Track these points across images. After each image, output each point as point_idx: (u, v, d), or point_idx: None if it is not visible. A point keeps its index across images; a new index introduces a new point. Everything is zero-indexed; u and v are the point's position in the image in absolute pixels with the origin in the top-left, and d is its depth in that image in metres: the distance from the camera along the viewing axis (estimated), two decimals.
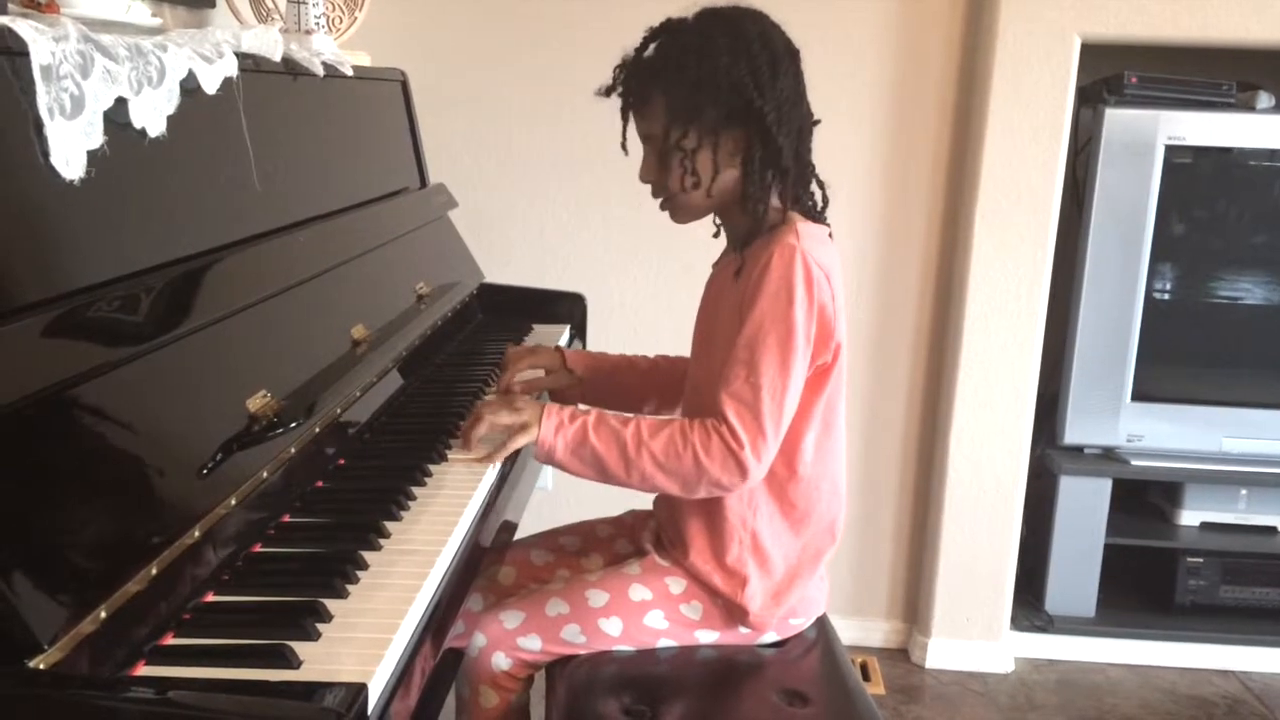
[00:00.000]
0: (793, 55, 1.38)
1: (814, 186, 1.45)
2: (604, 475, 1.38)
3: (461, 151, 2.53)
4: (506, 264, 2.49)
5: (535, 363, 1.70)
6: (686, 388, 1.56)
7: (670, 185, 1.40)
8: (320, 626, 0.99)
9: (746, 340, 1.34)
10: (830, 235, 1.44)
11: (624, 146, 1.44)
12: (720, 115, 1.34)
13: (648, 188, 1.45)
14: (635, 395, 1.69)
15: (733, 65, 1.32)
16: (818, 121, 1.43)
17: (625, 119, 1.42)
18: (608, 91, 1.41)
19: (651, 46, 1.39)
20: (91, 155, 1.04)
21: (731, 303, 1.40)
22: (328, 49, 1.78)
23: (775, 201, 1.40)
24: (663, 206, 1.46)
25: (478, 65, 2.54)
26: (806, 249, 1.34)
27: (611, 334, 2.45)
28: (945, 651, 2.65)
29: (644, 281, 2.60)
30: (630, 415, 1.38)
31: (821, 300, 1.34)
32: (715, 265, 1.54)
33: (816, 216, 1.44)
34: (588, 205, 2.57)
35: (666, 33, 1.38)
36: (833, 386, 1.42)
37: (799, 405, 1.38)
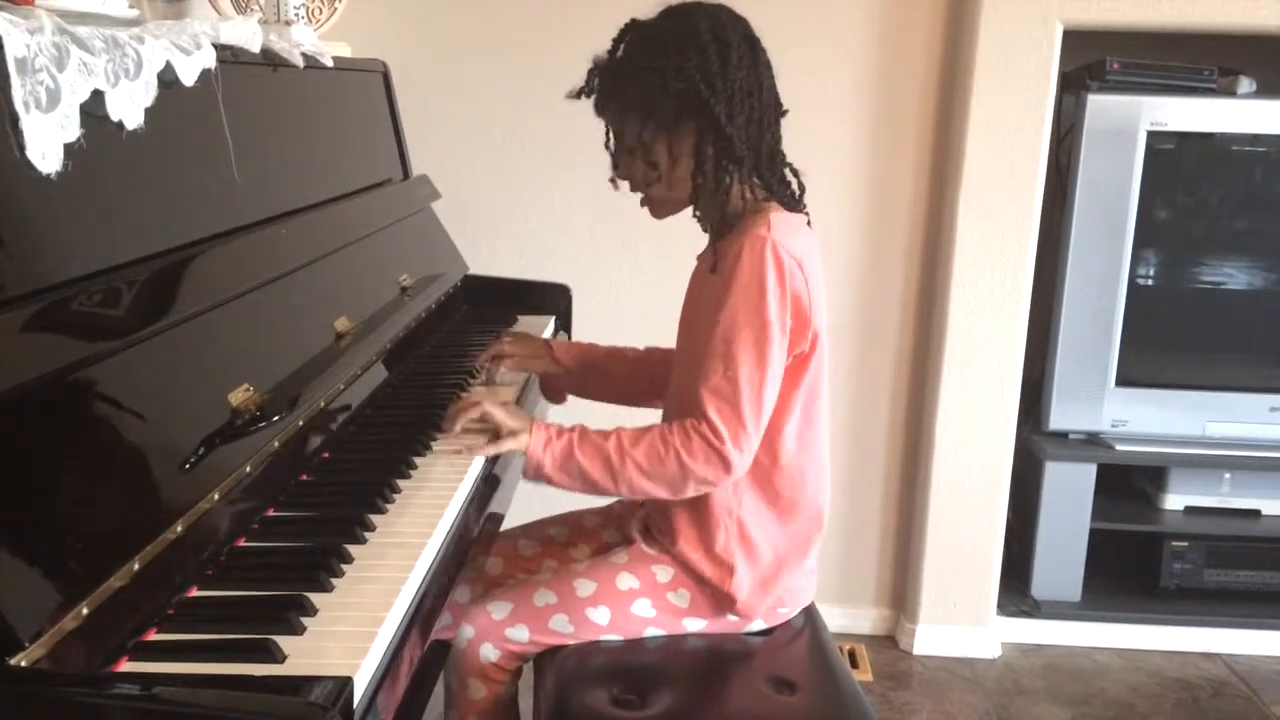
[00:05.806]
0: (750, 43, 1.38)
1: (789, 175, 1.45)
2: (592, 488, 1.39)
3: (444, 143, 2.52)
4: (491, 256, 2.48)
5: (519, 350, 1.71)
6: (671, 377, 1.56)
7: (633, 180, 1.42)
8: (305, 620, 0.98)
9: (722, 335, 1.35)
10: (809, 223, 1.45)
11: (607, 145, 1.45)
12: (671, 109, 1.35)
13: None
14: (624, 385, 1.70)
15: (682, 60, 1.33)
16: (785, 111, 1.43)
17: (601, 118, 1.44)
18: (578, 93, 1.42)
19: (620, 47, 1.40)
20: (68, 148, 1.03)
21: (709, 295, 1.41)
22: (307, 40, 1.77)
23: (744, 192, 1.40)
24: (642, 203, 1.47)
25: (459, 55, 2.52)
26: (777, 239, 1.34)
27: (597, 325, 2.44)
28: (932, 638, 2.66)
29: (629, 273, 2.60)
30: (611, 430, 1.39)
31: (795, 289, 1.35)
32: (699, 258, 1.54)
33: (793, 205, 1.44)
34: (572, 196, 2.56)
35: (628, 32, 1.40)
36: (813, 375, 1.43)
37: (779, 395, 1.39)
